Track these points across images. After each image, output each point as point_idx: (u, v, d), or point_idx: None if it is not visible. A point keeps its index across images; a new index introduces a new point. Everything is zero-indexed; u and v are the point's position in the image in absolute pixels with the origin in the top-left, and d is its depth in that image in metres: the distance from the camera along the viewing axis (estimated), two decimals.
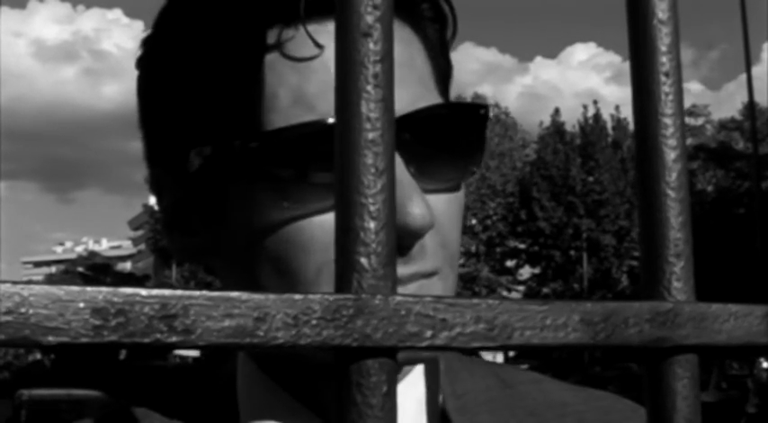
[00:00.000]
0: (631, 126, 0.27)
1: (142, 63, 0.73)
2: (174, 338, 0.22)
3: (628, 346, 0.27)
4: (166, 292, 0.22)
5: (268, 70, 0.65)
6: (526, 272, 38.36)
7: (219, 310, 0.23)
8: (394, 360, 0.24)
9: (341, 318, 0.23)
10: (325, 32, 0.64)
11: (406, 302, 0.24)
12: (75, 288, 0.22)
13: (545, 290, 36.29)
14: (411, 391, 0.71)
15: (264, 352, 0.70)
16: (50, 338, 0.21)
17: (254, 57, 0.65)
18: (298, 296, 0.23)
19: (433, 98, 0.68)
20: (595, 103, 37.92)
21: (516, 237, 36.71)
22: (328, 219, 0.62)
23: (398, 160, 0.63)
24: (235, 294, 0.23)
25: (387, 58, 0.25)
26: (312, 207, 0.63)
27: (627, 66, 0.30)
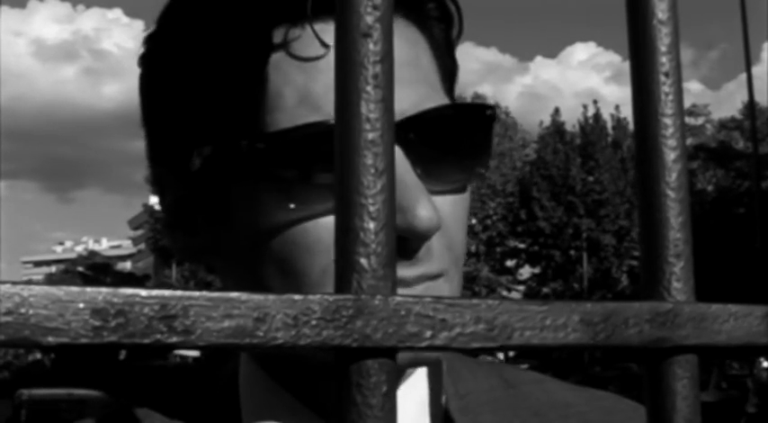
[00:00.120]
0: (631, 126, 0.27)
1: (145, 60, 0.73)
2: (173, 339, 0.22)
3: (628, 347, 0.27)
4: (166, 292, 0.22)
5: (274, 69, 0.65)
6: (526, 272, 38.38)
7: (219, 311, 0.23)
8: (394, 360, 0.24)
9: (341, 318, 0.23)
10: (332, 32, 0.64)
11: (406, 303, 0.24)
12: (74, 289, 0.22)
13: (545, 290, 36.30)
14: (413, 393, 0.71)
15: (265, 352, 0.70)
16: (50, 339, 0.21)
17: (259, 55, 0.65)
18: (297, 297, 0.23)
19: (440, 99, 0.68)
20: (595, 102, 37.95)
21: (516, 236, 36.72)
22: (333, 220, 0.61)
23: (405, 162, 0.63)
24: (234, 295, 0.23)
25: (387, 58, 0.25)
26: (317, 208, 0.63)
27: (627, 65, 0.30)
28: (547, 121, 37.52)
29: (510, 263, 38.15)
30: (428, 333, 0.24)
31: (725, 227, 29.08)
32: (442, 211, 0.64)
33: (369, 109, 0.24)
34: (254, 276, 0.66)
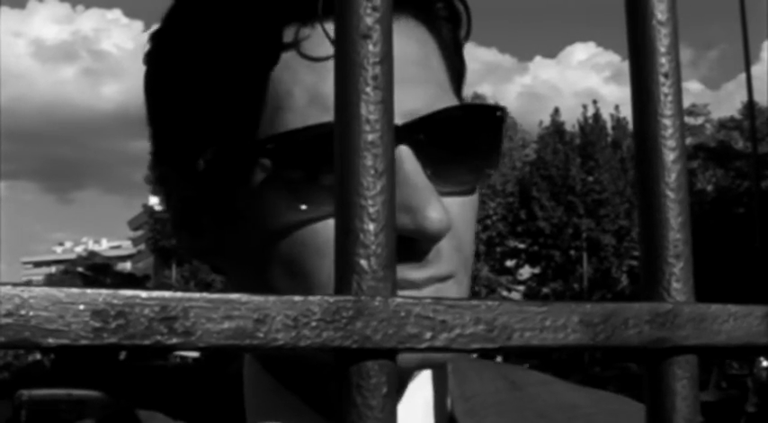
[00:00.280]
0: (631, 126, 0.27)
1: (150, 58, 0.72)
2: (174, 340, 0.22)
3: (627, 347, 0.27)
4: (166, 293, 0.22)
5: (284, 69, 0.64)
6: (526, 272, 38.38)
7: (219, 312, 0.23)
8: (394, 362, 0.24)
9: (341, 319, 0.23)
10: None
11: (406, 304, 0.24)
12: (75, 290, 0.22)
13: (545, 290, 36.30)
14: (419, 395, 0.71)
15: (266, 353, 0.70)
16: (50, 340, 0.21)
17: (269, 54, 0.64)
18: (297, 298, 0.23)
19: (449, 99, 0.67)
20: (595, 102, 37.96)
21: (516, 236, 36.72)
22: None
23: (415, 163, 0.63)
24: (235, 296, 0.23)
25: (386, 59, 0.25)
26: (327, 209, 0.62)
27: (626, 65, 0.30)
28: (546, 121, 37.55)
29: (510, 263, 38.15)
30: (428, 334, 0.24)
31: (724, 227, 29.08)
32: (451, 213, 0.63)
33: (368, 110, 0.24)
34: (261, 277, 0.66)
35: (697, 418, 0.27)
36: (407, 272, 0.62)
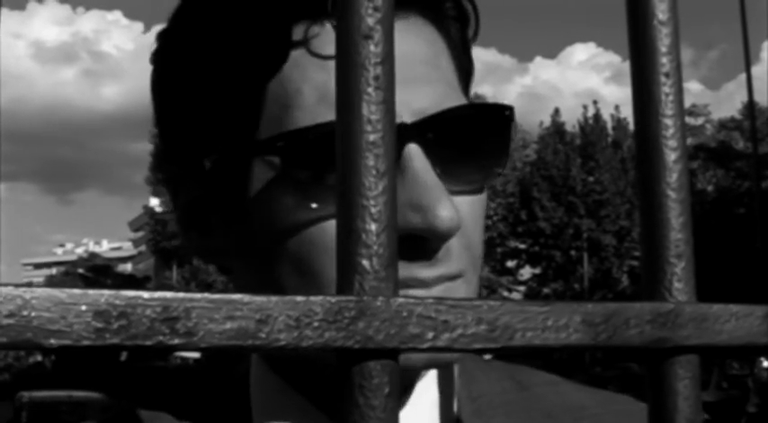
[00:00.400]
0: (631, 126, 0.27)
1: (158, 57, 0.72)
2: (176, 341, 0.22)
3: (629, 347, 0.27)
4: (168, 294, 0.22)
5: (293, 67, 0.64)
6: (527, 272, 38.36)
7: (221, 313, 0.23)
8: (396, 362, 0.24)
9: (343, 320, 0.23)
10: None
11: (408, 304, 0.24)
12: (77, 291, 0.22)
13: (546, 290, 36.29)
14: (426, 396, 0.71)
15: (270, 353, 0.70)
16: (52, 341, 0.21)
17: (279, 52, 0.64)
18: (299, 298, 0.23)
19: (458, 98, 0.67)
20: (595, 103, 37.96)
21: (517, 237, 36.71)
22: None
23: (425, 161, 0.62)
24: (237, 297, 0.23)
25: (388, 60, 0.25)
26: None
27: (626, 65, 0.30)
28: (547, 121, 37.55)
29: (510, 263, 38.14)
30: (430, 334, 0.24)
31: (725, 227, 29.08)
32: (460, 212, 0.63)
33: (370, 110, 0.24)
34: (269, 276, 0.65)
35: (699, 418, 0.27)
36: (417, 270, 0.62)
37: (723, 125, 37.37)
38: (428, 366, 0.67)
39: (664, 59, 0.28)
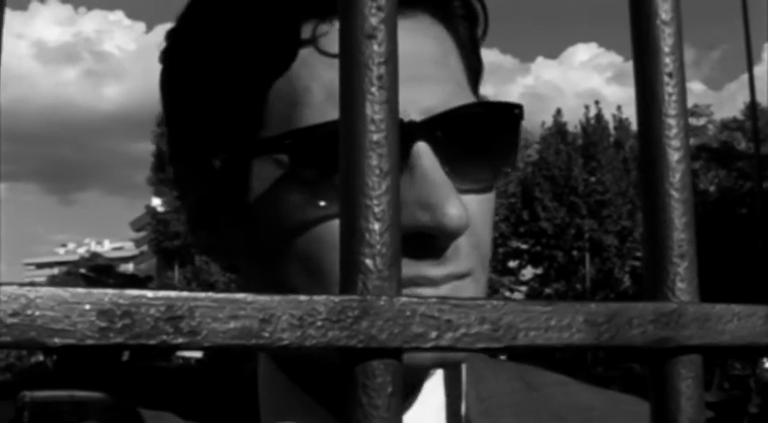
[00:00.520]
0: (633, 126, 0.27)
1: (167, 56, 0.72)
2: (179, 340, 0.22)
3: (632, 347, 0.27)
4: (172, 293, 0.22)
5: (301, 65, 0.64)
6: (528, 272, 38.34)
7: (225, 312, 0.23)
8: (399, 361, 0.24)
9: (346, 319, 0.23)
10: None
11: (411, 303, 0.24)
12: (81, 290, 0.22)
13: (547, 290, 36.27)
14: (433, 396, 0.70)
15: (274, 353, 0.70)
16: (56, 340, 0.22)
17: (287, 51, 0.64)
18: (303, 297, 0.23)
19: (467, 97, 0.67)
20: (597, 103, 37.93)
21: (518, 237, 36.70)
22: None
23: (433, 160, 0.62)
24: (240, 296, 0.23)
25: (391, 59, 0.25)
26: None
27: (628, 65, 0.31)
28: (549, 121, 37.52)
29: (512, 263, 38.12)
30: (433, 334, 0.24)
31: (727, 227, 29.07)
32: (469, 210, 0.63)
33: (373, 110, 0.24)
34: (277, 275, 0.65)
35: (702, 418, 0.27)
36: (426, 269, 0.62)
37: (725, 125, 37.34)
38: (436, 366, 0.67)
39: (667, 59, 0.28)
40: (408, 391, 0.69)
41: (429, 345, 0.24)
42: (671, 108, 0.28)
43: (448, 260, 0.63)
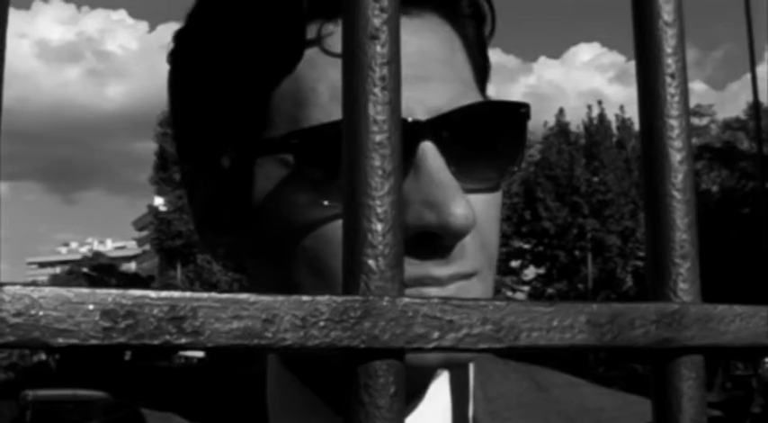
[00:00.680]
0: (636, 126, 0.27)
1: (174, 57, 0.72)
2: (182, 340, 0.22)
3: (634, 348, 0.27)
4: (175, 294, 0.22)
5: (307, 65, 0.64)
6: (531, 272, 38.32)
7: (228, 312, 0.23)
8: (402, 361, 0.24)
9: (348, 319, 0.23)
10: None
11: (414, 304, 0.24)
12: (84, 290, 0.22)
13: (550, 290, 36.25)
14: (438, 398, 0.70)
15: (278, 353, 0.70)
16: (60, 340, 0.22)
17: (293, 51, 0.64)
18: (306, 298, 0.23)
19: (474, 96, 0.67)
20: (600, 103, 37.91)
21: (521, 237, 36.67)
22: None
23: (439, 159, 0.62)
24: (243, 296, 0.23)
25: (394, 60, 0.25)
26: None
27: (630, 65, 0.31)
28: (551, 121, 37.50)
29: (514, 263, 38.09)
30: (436, 334, 0.24)
31: (730, 227, 29.05)
32: (475, 210, 0.62)
33: (376, 111, 0.24)
34: (286, 276, 0.65)
35: (703, 419, 0.27)
36: (432, 268, 0.62)
37: (728, 125, 37.29)
38: (442, 366, 0.66)
39: (669, 60, 0.28)
40: (414, 391, 0.68)
41: (431, 345, 0.24)
42: (673, 109, 0.28)
43: (454, 260, 0.63)
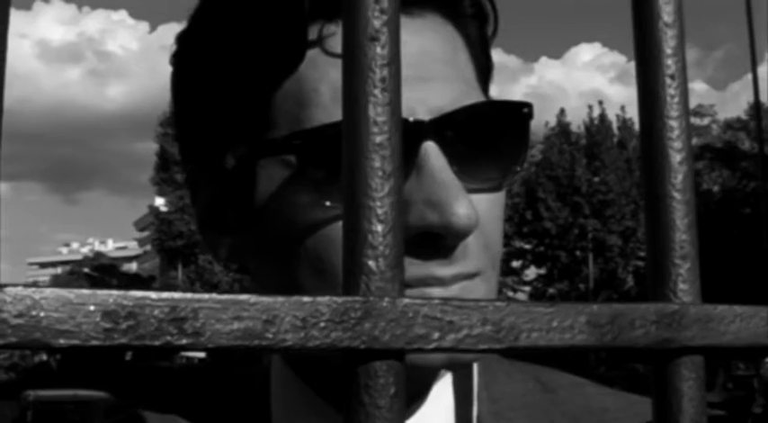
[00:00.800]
0: (637, 126, 0.27)
1: (177, 59, 0.72)
2: (183, 341, 0.22)
3: (634, 348, 0.27)
4: (176, 294, 0.23)
5: (309, 66, 0.64)
6: (532, 272, 38.30)
7: (229, 313, 0.23)
8: (402, 362, 0.24)
9: (349, 320, 0.23)
10: None
11: (414, 305, 0.24)
12: (85, 291, 0.22)
13: (551, 290, 36.23)
14: (442, 398, 0.70)
15: (278, 354, 0.70)
16: (61, 341, 0.22)
17: (295, 52, 0.64)
18: (306, 299, 0.23)
19: (477, 96, 0.67)
20: (600, 103, 37.89)
21: (522, 237, 36.66)
22: None
23: (442, 159, 0.62)
24: (244, 297, 0.23)
25: (394, 61, 0.25)
26: None
27: (631, 65, 0.31)
28: (552, 121, 37.49)
29: (515, 264, 38.08)
30: (436, 335, 0.24)
31: (731, 227, 29.04)
32: (478, 210, 0.62)
33: (376, 112, 0.25)
34: (288, 276, 0.65)
35: (703, 419, 0.27)
36: (434, 268, 0.62)
37: (729, 125, 37.27)
38: (446, 366, 0.66)
39: (669, 61, 0.28)
40: (417, 392, 0.68)
41: (431, 346, 0.24)
42: (673, 110, 0.28)
43: (457, 260, 0.63)
